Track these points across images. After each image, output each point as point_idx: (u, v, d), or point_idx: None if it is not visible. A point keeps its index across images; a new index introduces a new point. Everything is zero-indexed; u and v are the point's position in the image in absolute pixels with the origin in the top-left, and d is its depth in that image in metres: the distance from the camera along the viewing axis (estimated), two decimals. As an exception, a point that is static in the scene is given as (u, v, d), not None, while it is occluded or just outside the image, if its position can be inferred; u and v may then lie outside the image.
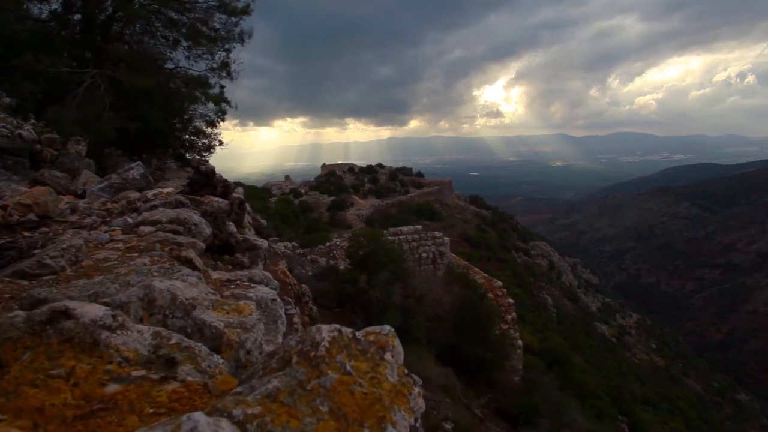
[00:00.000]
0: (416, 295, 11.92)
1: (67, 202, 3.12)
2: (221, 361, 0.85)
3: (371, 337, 0.77)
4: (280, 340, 1.67)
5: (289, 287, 7.61)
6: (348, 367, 0.69)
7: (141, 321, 0.91)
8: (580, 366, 20.38)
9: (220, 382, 0.76)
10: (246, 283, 1.80)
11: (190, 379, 0.75)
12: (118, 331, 0.79)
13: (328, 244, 16.09)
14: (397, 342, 0.78)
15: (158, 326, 0.87)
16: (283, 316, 1.66)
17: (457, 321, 11.75)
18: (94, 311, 0.80)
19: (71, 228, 2.53)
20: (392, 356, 0.75)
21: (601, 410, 16.39)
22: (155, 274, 1.28)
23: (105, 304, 0.86)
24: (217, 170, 4.14)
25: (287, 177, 54.48)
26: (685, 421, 27.52)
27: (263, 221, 10.24)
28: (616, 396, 21.43)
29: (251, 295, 1.64)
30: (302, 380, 0.66)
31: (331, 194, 39.16)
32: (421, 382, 0.75)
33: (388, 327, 0.82)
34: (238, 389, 0.68)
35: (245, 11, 6.16)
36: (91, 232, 2.09)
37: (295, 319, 6.21)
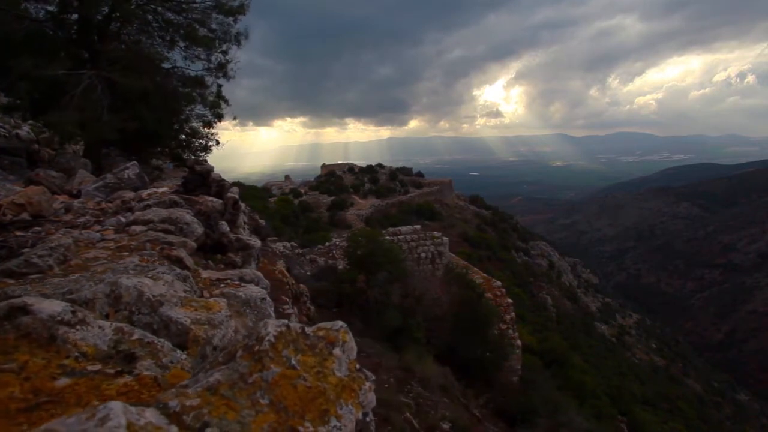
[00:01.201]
0: (415, 295, 11.92)
1: (62, 202, 3.13)
2: (184, 356, 0.85)
3: (321, 333, 0.77)
4: (269, 339, 1.67)
5: (287, 287, 7.61)
6: (293, 362, 0.69)
7: (107, 317, 0.92)
8: (580, 366, 20.37)
9: (171, 376, 0.77)
10: (236, 282, 1.80)
11: (146, 373, 0.76)
12: (78, 327, 0.79)
13: (327, 244, 16.08)
14: (349, 338, 0.79)
15: (124, 322, 0.87)
16: (273, 315, 1.66)
17: (455, 321, 11.75)
18: (52, 307, 0.79)
19: (64, 227, 2.53)
20: (342, 351, 0.75)
21: (600, 410, 16.38)
22: (131, 272, 1.29)
23: (71, 300, 0.87)
24: (217, 170, 4.15)
25: (287, 177, 54.50)
26: (684, 421, 27.50)
27: (262, 221, 10.23)
28: (616, 396, 21.40)
29: (240, 294, 1.64)
30: (244, 374, 0.67)
31: (330, 194, 39.17)
32: (374, 378, 0.76)
33: (340, 323, 0.82)
34: (185, 382, 0.68)
35: (241, 10, 6.15)
36: (83, 231, 2.10)
37: (292, 319, 6.22)
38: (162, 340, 0.85)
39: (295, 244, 15.54)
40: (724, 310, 70.00)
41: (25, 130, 6.34)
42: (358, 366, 0.74)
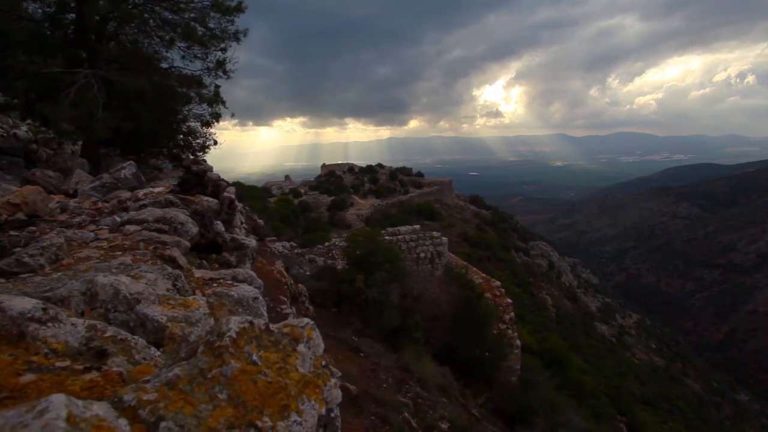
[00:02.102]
0: (414, 295, 11.93)
1: (58, 202, 3.13)
2: (158, 353, 0.86)
3: (286, 330, 0.78)
4: (261, 338, 1.67)
5: (286, 287, 7.60)
6: (254, 357, 0.70)
7: (82, 314, 0.92)
8: (579, 366, 20.37)
9: (137, 372, 0.77)
10: (229, 282, 1.81)
11: (115, 369, 0.76)
12: (49, 324, 0.80)
13: (327, 243, 16.07)
14: (315, 335, 0.79)
15: (99, 320, 0.88)
16: (265, 314, 1.66)
17: (454, 321, 11.75)
18: (22, 304, 0.80)
19: (59, 227, 2.54)
20: (308, 348, 0.76)
21: (599, 410, 16.38)
22: (114, 270, 1.29)
23: (46, 298, 0.87)
24: (217, 170, 4.15)
25: (287, 177, 54.55)
26: (684, 421, 27.51)
27: (260, 221, 10.24)
28: (615, 396, 21.41)
29: (232, 293, 1.64)
30: (204, 369, 0.68)
31: (330, 194, 39.19)
32: (340, 374, 0.76)
33: (306, 320, 0.83)
34: (147, 378, 0.69)
35: (239, 9, 6.16)
36: (76, 231, 2.10)
37: (290, 318, 6.18)
38: (136, 337, 0.86)
39: (294, 244, 15.54)
40: (724, 310, 70.01)
41: (23, 130, 6.35)
42: (324, 363, 0.75)
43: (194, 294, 1.54)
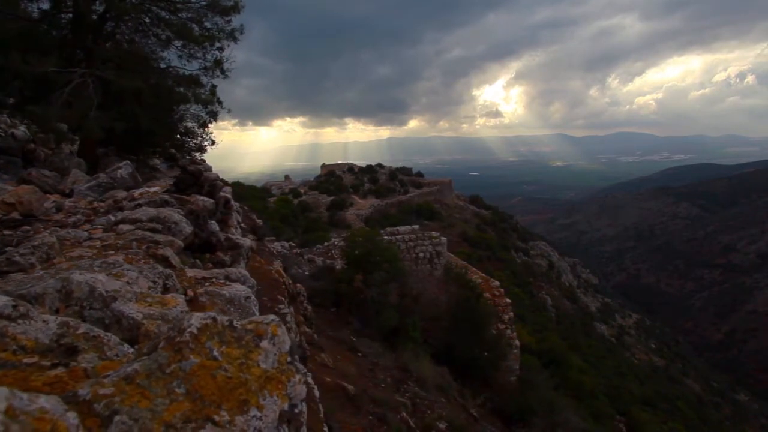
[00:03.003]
0: (412, 295, 11.93)
1: (53, 201, 3.13)
2: (131, 350, 0.86)
3: (250, 326, 0.79)
4: (252, 337, 1.68)
5: (283, 287, 7.61)
6: (215, 353, 0.71)
7: (57, 312, 0.93)
8: (578, 366, 20.38)
9: (102, 368, 0.78)
10: (221, 281, 1.81)
11: (84, 365, 0.77)
12: (19, 321, 0.80)
13: (326, 243, 16.08)
14: (280, 331, 0.80)
15: (74, 317, 0.89)
16: (257, 313, 1.66)
17: (453, 320, 11.76)
18: None
19: (54, 226, 2.54)
20: (273, 344, 0.77)
21: (598, 410, 16.38)
22: (96, 269, 1.30)
23: (20, 296, 0.87)
24: (217, 170, 4.15)
25: (287, 177, 54.57)
26: (684, 421, 27.49)
27: (259, 221, 10.23)
28: (615, 396, 21.41)
29: (224, 292, 1.64)
30: (163, 364, 0.69)
31: (330, 194, 39.21)
32: (305, 370, 0.76)
33: (272, 317, 0.84)
34: (109, 373, 0.70)
35: (235, 8, 6.17)
36: (70, 230, 2.10)
37: (288, 318, 6.20)
38: (109, 334, 0.86)
39: (293, 244, 15.55)
40: (724, 310, 70.01)
41: (21, 130, 6.35)
42: (289, 359, 0.76)
43: (185, 293, 1.54)
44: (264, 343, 0.76)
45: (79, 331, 0.82)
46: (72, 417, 0.58)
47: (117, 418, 0.61)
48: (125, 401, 0.63)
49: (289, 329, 5.72)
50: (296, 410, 0.70)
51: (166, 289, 1.42)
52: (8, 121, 6.45)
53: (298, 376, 0.73)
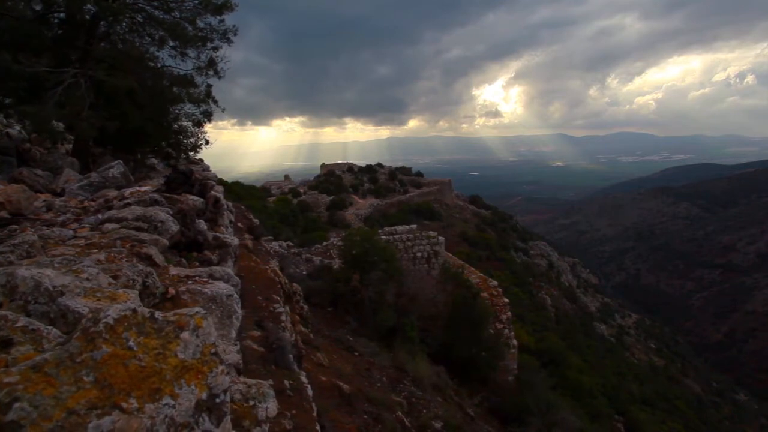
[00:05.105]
0: (410, 295, 11.94)
1: (44, 200, 3.14)
2: None
3: (173, 318, 0.80)
4: (233, 334, 1.69)
5: (279, 286, 7.60)
6: (131, 343, 0.73)
7: (0, 306, 0.94)
8: (577, 365, 20.38)
9: (23, 358, 0.79)
10: (204, 279, 1.82)
11: (11, 356, 0.78)
12: None
13: (324, 243, 16.09)
14: (205, 323, 0.81)
15: (18, 311, 0.90)
16: (238, 311, 1.67)
17: (450, 320, 11.76)
18: None
19: (43, 225, 2.55)
20: (196, 336, 0.78)
21: (597, 410, 16.38)
22: (57, 265, 1.31)
23: None
24: (216, 169, 4.16)
25: (286, 176, 54.58)
26: (683, 421, 27.51)
27: (256, 220, 10.25)
28: (614, 396, 21.42)
29: (206, 290, 1.65)
30: (74, 353, 0.70)
31: (330, 194, 39.21)
32: (229, 362, 0.77)
33: (197, 309, 0.85)
34: (23, 362, 0.71)
35: (228, 6, 6.17)
36: (55, 229, 2.11)
37: (283, 317, 6.18)
38: (50, 327, 0.87)
39: (291, 244, 15.55)
40: (724, 310, 69.99)
41: (16, 129, 6.35)
42: (213, 350, 0.77)
43: (166, 291, 1.55)
44: (185, 335, 0.77)
45: (18, 325, 0.83)
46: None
47: (17, 405, 0.62)
48: (28, 389, 0.64)
49: (284, 328, 5.72)
50: (217, 400, 0.71)
51: (145, 287, 1.43)
52: (4, 120, 6.46)
53: (221, 367, 0.74)
